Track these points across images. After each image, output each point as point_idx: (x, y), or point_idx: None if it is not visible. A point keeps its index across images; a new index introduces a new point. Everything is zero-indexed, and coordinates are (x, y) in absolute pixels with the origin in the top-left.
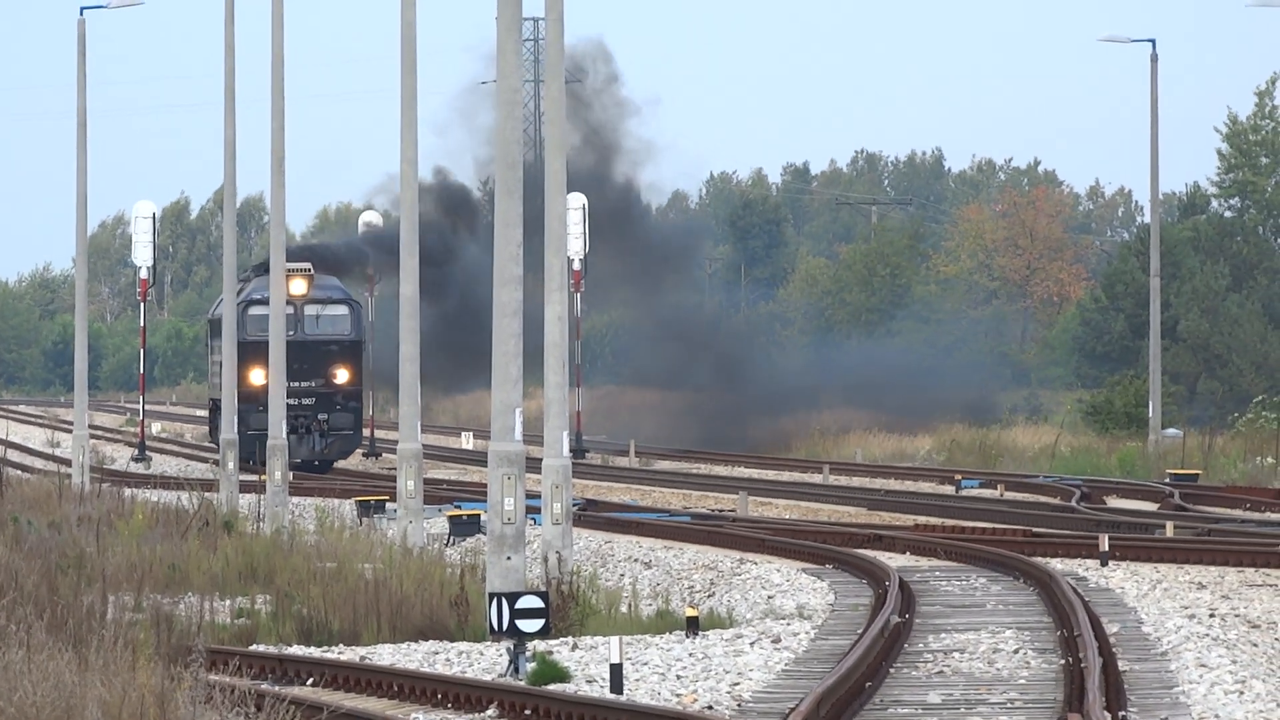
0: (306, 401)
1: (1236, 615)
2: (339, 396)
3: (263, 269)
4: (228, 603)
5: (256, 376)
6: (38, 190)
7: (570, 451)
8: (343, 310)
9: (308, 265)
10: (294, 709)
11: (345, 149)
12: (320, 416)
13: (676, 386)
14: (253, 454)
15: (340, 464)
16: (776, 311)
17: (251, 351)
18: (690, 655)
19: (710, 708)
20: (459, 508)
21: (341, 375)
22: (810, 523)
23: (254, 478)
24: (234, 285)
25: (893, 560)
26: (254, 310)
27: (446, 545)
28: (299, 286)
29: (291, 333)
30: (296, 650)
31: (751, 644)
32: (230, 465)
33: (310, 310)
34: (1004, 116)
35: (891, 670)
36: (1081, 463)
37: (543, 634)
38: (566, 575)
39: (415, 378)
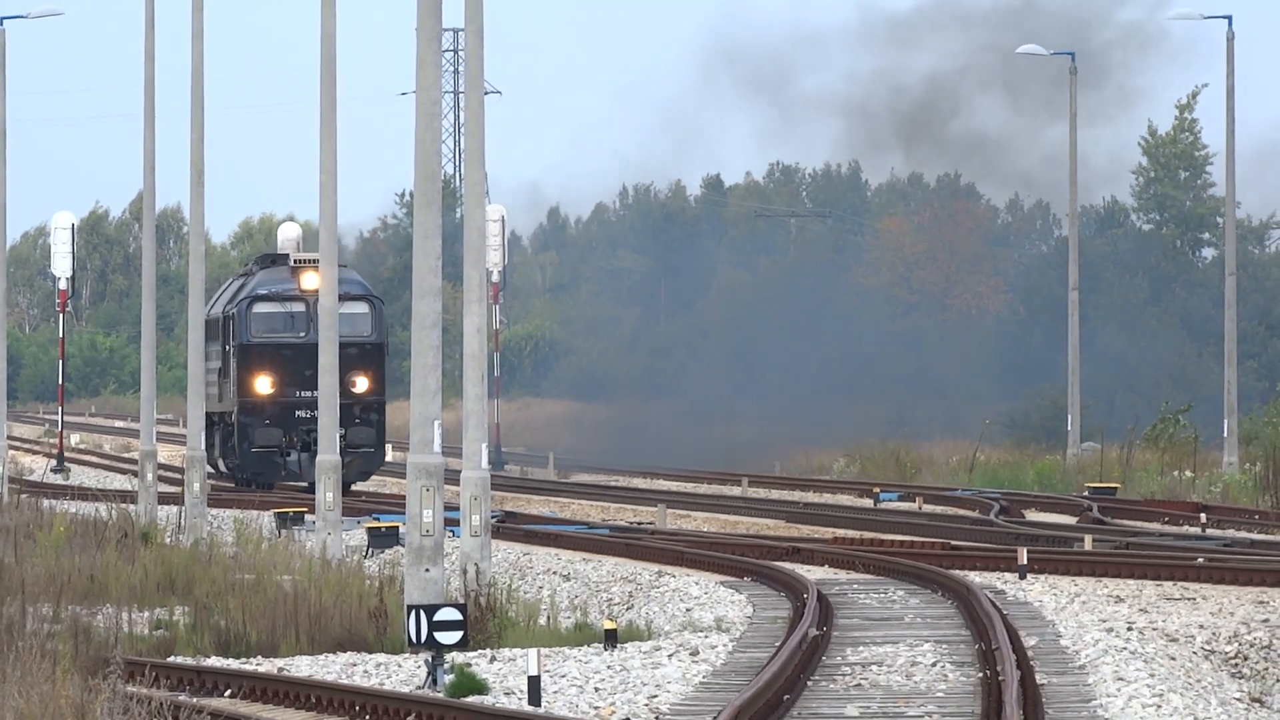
0: (318, 413)
1: (1154, 629)
2: (358, 408)
3: (268, 260)
4: (146, 614)
5: (262, 385)
6: None
7: (489, 463)
8: (363, 308)
9: None
10: None
11: (267, 159)
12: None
13: (595, 398)
14: (259, 474)
15: (359, 486)
16: (696, 324)
17: (256, 355)
18: (608, 668)
19: None
20: (377, 520)
21: (361, 383)
22: (729, 535)
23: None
24: (152, 294)
25: (811, 573)
26: (260, 308)
27: (365, 557)
28: (311, 280)
29: (302, 334)
30: (214, 662)
31: (669, 656)
32: (149, 477)
33: None
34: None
35: (809, 683)
36: (1000, 476)
37: (461, 646)
38: (485, 587)
39: (334, 389)
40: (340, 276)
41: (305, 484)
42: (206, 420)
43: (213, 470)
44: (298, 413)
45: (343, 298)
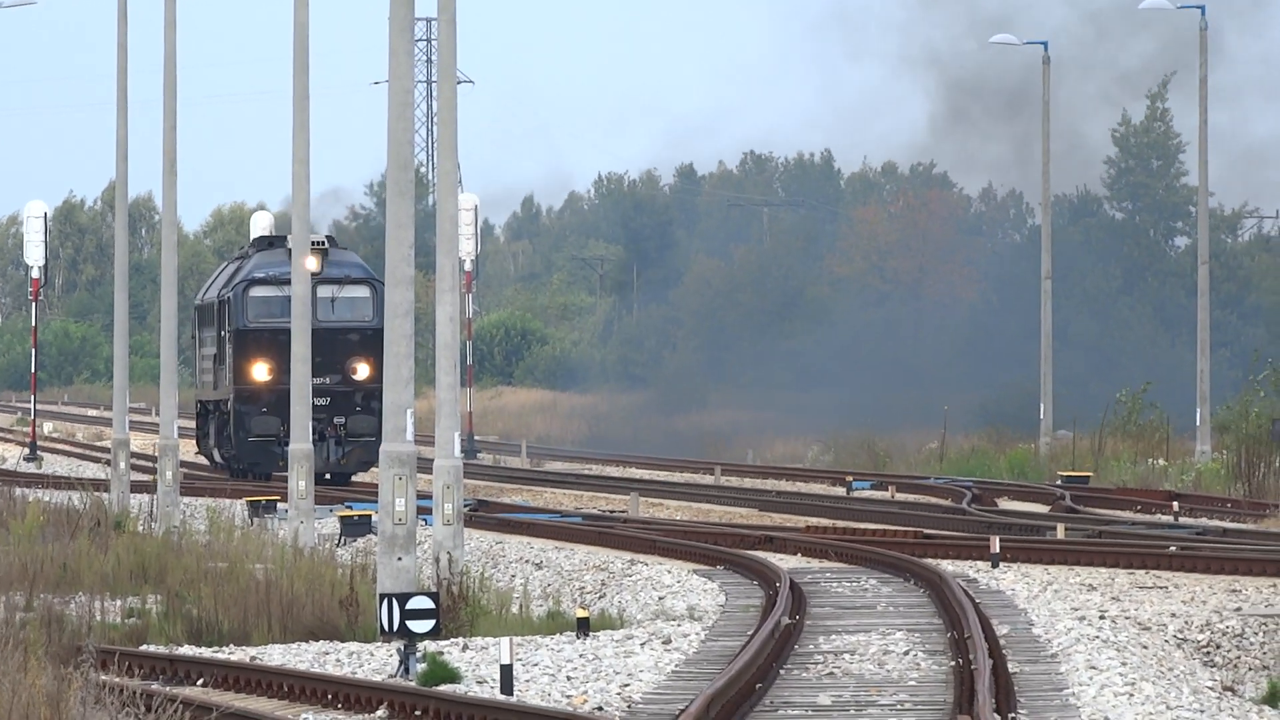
0: (319, 401)
1: (1127, 617)
2: (359, 395)
3: (264, 243)
4: (118, 602)
5: (259, 371)
6: None
7: (462, 452)
8: (364, 292)
9: (322, 238)
10: (184, 709)
11: (238, 148)
12: (336, 420)
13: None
14: (256, 464)
15: (360, 477)
16: (668, 313)
17: (253, 341)
18: (581, 656)
19: (600, 709)
20: (350, 508)
21: (362, 370)
22: (702, 524)
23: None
24: (125, 283)
25: (784, 562)
26: (257, 291)
27: (337, 545)
28: (310, 263)
29: None
30: (187, 650)
31: (642, 645)
32: (122, 465)
33: (324, 292)
34: (895, 118)
35: (782, 672)
36: (972, 465)
37: (433, 635)
38: (457, 576)
39: (307, 378)
40: (341, 259)
41: None
42: (201, 409)
43: (208, 461)
44: None
45: (343, 281)
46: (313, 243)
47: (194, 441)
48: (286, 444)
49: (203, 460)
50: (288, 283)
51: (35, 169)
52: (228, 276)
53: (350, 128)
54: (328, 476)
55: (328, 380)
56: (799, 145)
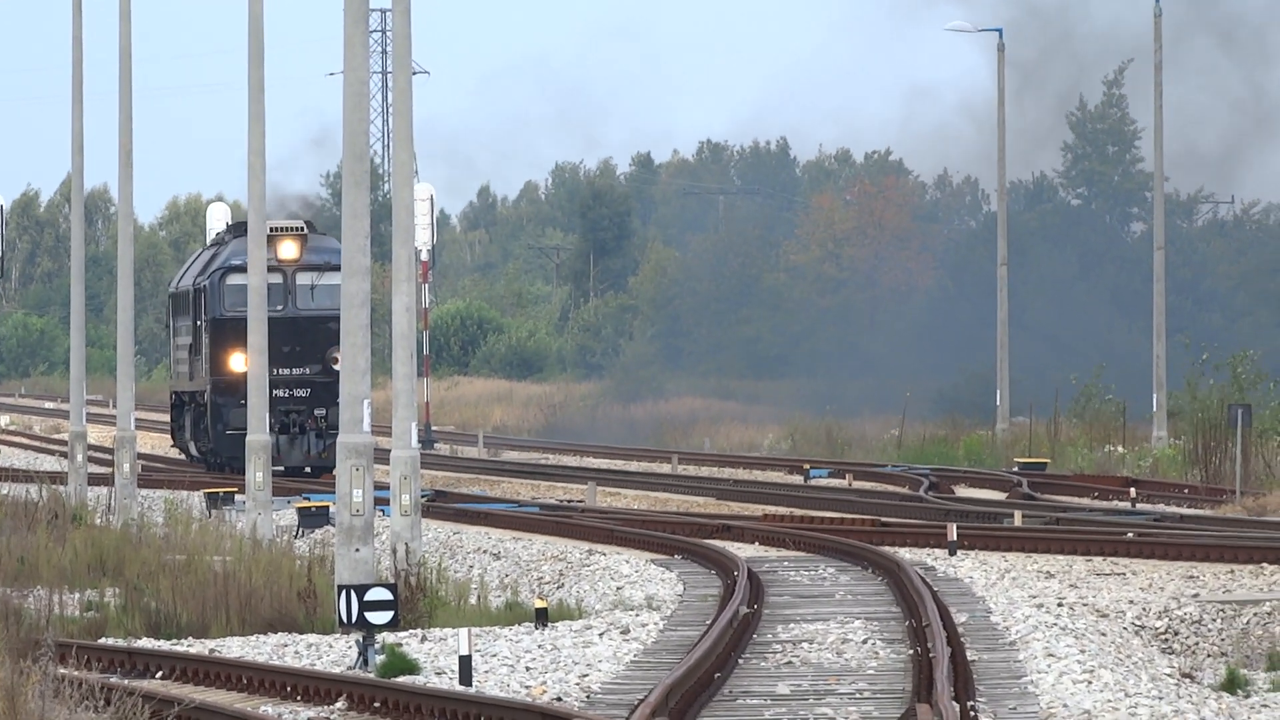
0: (299, 393)
1: (1085, 604)
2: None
3: (241, 229)
4: (77, 596)
5: (236, 362)
6: None
7: (419, 442)
8: None
9: (301, 224)
10: (143, 702)
11: (195, 141)
12: (317, 411)
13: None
14: (235, 457)
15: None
16: (626, 303)
17: (230, 330)
18: (539, 647)
19: (559, 699)
20: (308, 499)
21: None
22: (659, 513)
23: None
24: (81, 275)
25: (741, 550)
26: (233, 279)
27: (295, 537)
28: (289, 249)
29: (280, 307)
30: (145, 643)
31: (600, 635)
32: (79, 458)
33: (304, 279)
34: (850, 105)
35: (740, 661)
36: (929, 452)
37: (392, 626)
38: (415, 567)
39: (264, 369)
40: (321, 245)
41: (282, 468)
42: (176, 400)
43: (183, 454)
44: (276, 392)
45: (323, 268)
46: (292, 228)
47: (162, 434)
48: None
49: (163, 453)
50: (267, 269)
51: None
52: (203, 264)
53: (305, 118)
54: (307, 470)
55: (308, 371)
56: (754, 134)
